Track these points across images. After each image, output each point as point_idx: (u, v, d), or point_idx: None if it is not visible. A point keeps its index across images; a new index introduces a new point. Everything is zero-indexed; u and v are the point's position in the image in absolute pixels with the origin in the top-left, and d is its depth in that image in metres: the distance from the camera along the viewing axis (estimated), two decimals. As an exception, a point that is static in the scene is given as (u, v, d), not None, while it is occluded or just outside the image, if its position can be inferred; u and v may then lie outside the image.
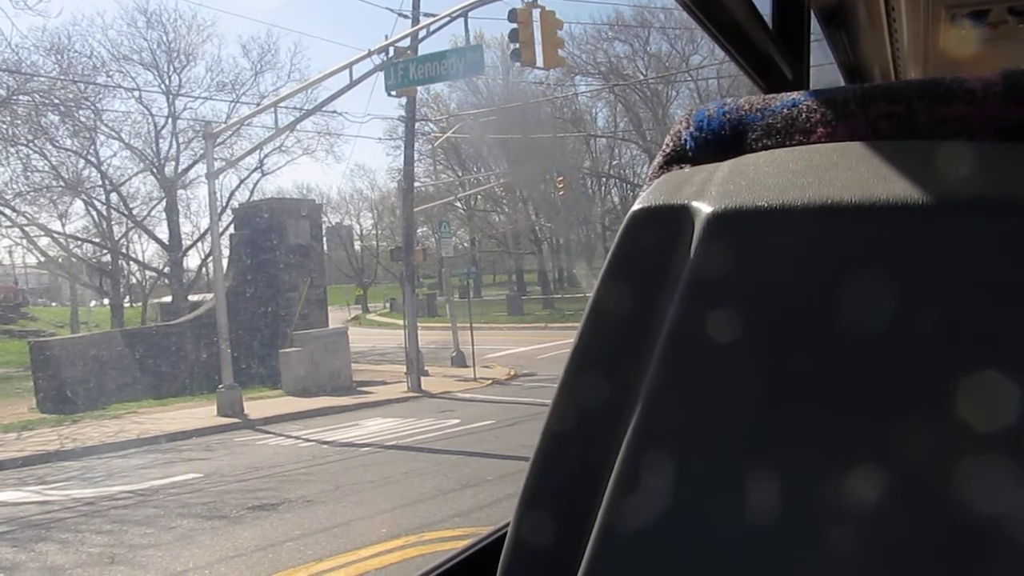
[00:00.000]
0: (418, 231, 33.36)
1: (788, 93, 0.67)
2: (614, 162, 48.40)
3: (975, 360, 0.48)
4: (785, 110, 0.65)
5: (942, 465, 0.48)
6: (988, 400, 0.47)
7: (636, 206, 0.61)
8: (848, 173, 0.56)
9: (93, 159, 31.30)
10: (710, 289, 0.55)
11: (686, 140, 0.68)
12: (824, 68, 2.20)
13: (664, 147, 0.70)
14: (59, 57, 29.09)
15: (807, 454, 0.51)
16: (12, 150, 27.97)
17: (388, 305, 52.81)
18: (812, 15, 1.58)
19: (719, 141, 0.67)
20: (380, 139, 56.61)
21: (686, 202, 0.59)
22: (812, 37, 1.58)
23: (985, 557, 0.47)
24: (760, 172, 0.59)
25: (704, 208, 0.57)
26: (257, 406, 17.93)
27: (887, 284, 0.50)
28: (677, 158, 0.68)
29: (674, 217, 0.58)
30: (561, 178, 36.10)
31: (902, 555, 0.48)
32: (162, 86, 33.53)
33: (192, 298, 31.20)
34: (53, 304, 48.22)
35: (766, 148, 0.65)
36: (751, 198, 0.56)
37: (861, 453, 0.50)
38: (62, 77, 28.39)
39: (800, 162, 0.59)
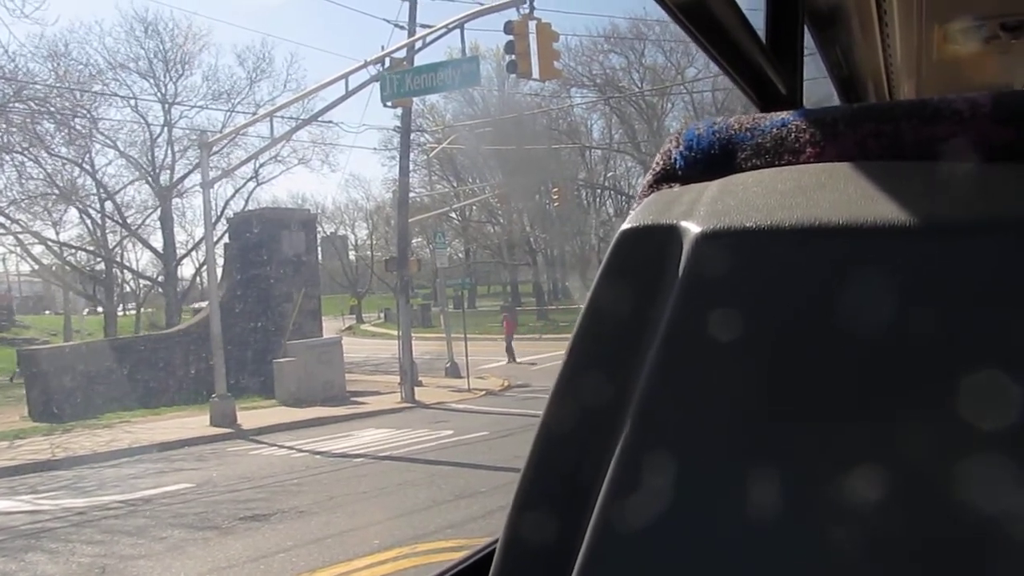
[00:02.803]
0: (413, 242, 33.41)
1: (777, 113, 0.67)
2: (609, 174, 48.57)
3: (961, 375, 0.48)
4: (774, 130, 0.66)
5: (933, 475, 0.48)
6: (972, 413, 0.48)
7: (625, 225, 0.61)
8: (836, 194, 0.56)
9: (88, 167, 31.37)
10: (699, 307, 0.55)
11: (676, 159, 0.69)
12: (818, 81, 2.22)
13: (654, 166, 0.70)
14: (55, 65, 29.15)
15: (797, 460, 0.52)
16: (7, 157, 27.99)
17: (382, 315, 52.74)
18: (806, 29, 1.59)
19: (708, 160, 0.67)
20: (375, 149, 56.64)
21: (675, 222, 0.59)
22: (806, 51, 1.58)
23: (985, 557, 0.47)
24: (749, 192, 0.59)
25: (692, 228, 0.57)
26: (250, 416, 17.86)
27: (873, 302, 0.50)
28: (667, 177, 0.69)
29: (663, 236, 0.59)
30: (556, 189, 36.14)
31: (900, 555, 0.49)
32: (158, 95, 33.66)
33: (194, 306, 31.18)
34: (46, 312, 48.06)
35: (755, 168, 0.65)
36: (739, 218, 0.56)
37: (849, 459, 0.50)
38: (58, 85, 28.41)
39: (788, 182, 0.59)
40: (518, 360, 27.80)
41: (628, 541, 0.54)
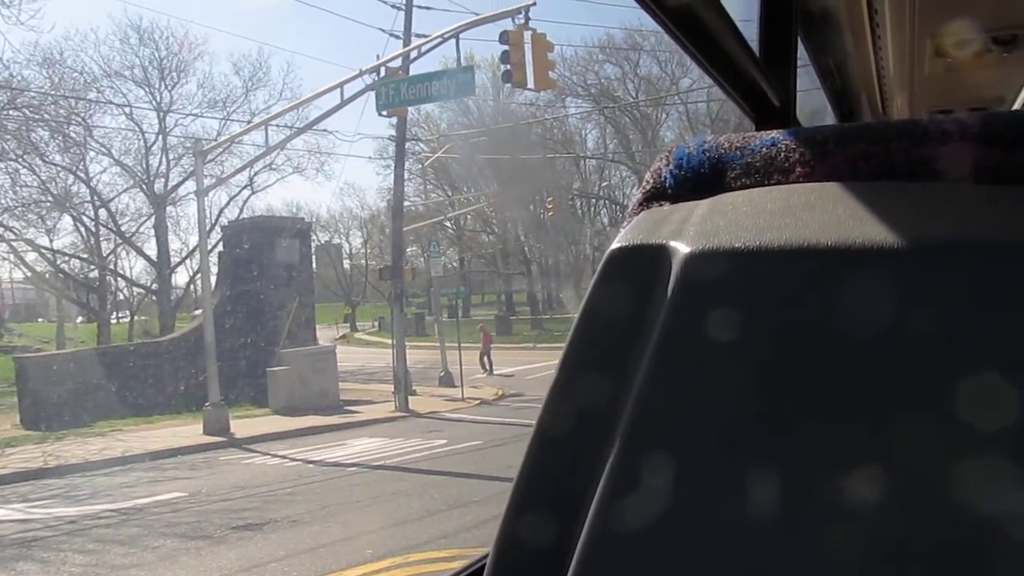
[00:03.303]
0: (407, 250, 33.40)
1: (768, 132, 0.67)
2: (604, 184, 48.64)
3: (946, 394, 0.49)
4: (764, 149, 0.66)
5: (930, 480, 0.49)
6: (959, 433, 0.48)
7: (615, 244, 0.62)
8: (825, 215, 0.56)
9: (82, 175, 31.29)
10: (687, 326, 0.55)
11: (666, 177, 0.69)
12: (811, 93, 2.23)
13: (644, 184, 0.70)
14: (50, 72, 29.15)
15: (789, 466, 0.52)
16: (1, 165, 27.91)
17: (376, 324, 52.64)
18: (799, 42, 1.60)
19: (699, 179, 0.67)
20: (370, 158, 56.67)
21: (664, 241, 0.59)
22: (799, 63, 1.59)
23: (985, 559, 0.47)
24: (738, 212, 0.60)
25: (682, 247, 0.58)
26: (243, 424, 17.81)
27: (861, 323, 0.50)
28: (657, 195, 0.69)
29: (652, 256, 0.59)
30: (550, 199, 36.20)
31: (896, 559, 0.49)
32: (153, 102, 33.62)
33: (194, 312, 31.11)
34: (39, 320, 47.87)
35: (745, 187, 0.66)
36: (728, 239, 0.56)
37: (841, 465, 0.51)
38: (53, 92, 28.39)
39: (778, 202, 0.60)
40: (494, 372, 27.51)
41: (621, 545, 0.54)
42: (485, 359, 28.31)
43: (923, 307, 0.51)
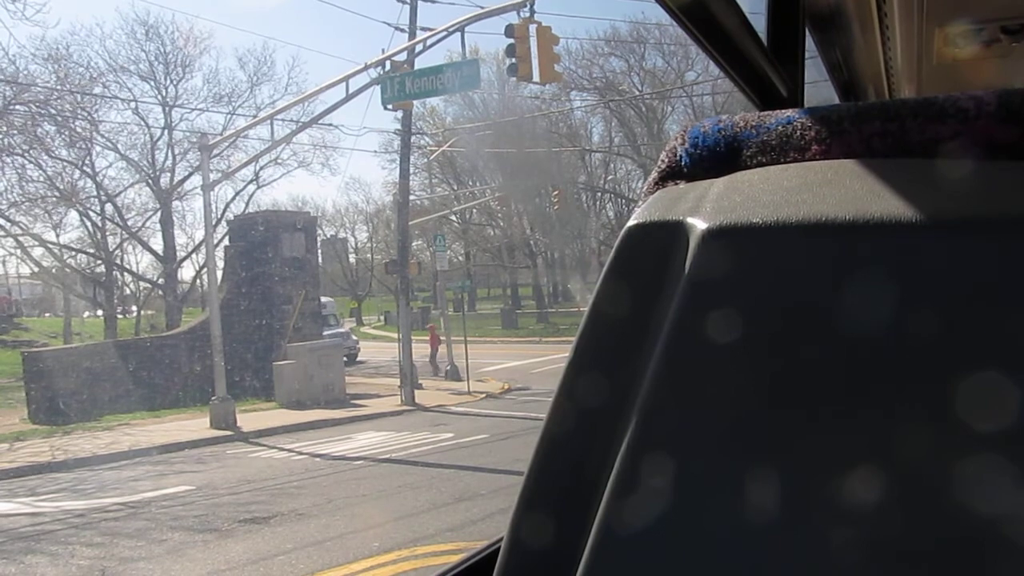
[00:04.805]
0: (413, 244, 33.39)
1: (783, 111, 0.67)
2: (609, 177, 48.54)
3: (963, 369, 0.49)
4: (780, 127, 0.66)
5: (938, 465, 0.49)
6: (978, 410, 0.48)
7: (632, 221, 0.61)
8: (842, 190, 0.56)
9: (88, 170, 31.31)
10: (705, 303, 0.55)
11: (681, 156, 0.69)
12: (819, 85, 2.22)
13: (660, 163, 0.70)
14: (56, 67, 29.16)
15: (805, 459, 0.52)
16: (7, 160, 27.94)
17: (382, 318, 52.73)
18: (807, 32, 1.59)
19: (714, 158, 0.67)
20: (376, 152, 56.77)
21: (681, 218, 0.59)
22: (807, 54, 1.59)
23: (985, 557, 0.47)
24: (755, 189, 0.59)
25: (699, 224, 0.57)
26: (250, 418, 17.85)
27: (879, 298, 0.50)
28: (672, 174, 0.69)
29: (669, 232, 0.59)
30: (556, 192, 36.15)
31: (901, 556, 0.49)
32: (159, 97, 33.65)
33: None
34: (46, 315, 48.05)
35: (761, 165, 0.65)
36: (746, 214, 0.56)
37: (855, 454, 0.50)
38: (59, 87, 28.41)
39: (794, 179, 0.59)
40: (440, 375, 25.83)
41: (632, 541, 0.54)
42: (435, 360, 27.23)
43: (941, 282, 0.51)
